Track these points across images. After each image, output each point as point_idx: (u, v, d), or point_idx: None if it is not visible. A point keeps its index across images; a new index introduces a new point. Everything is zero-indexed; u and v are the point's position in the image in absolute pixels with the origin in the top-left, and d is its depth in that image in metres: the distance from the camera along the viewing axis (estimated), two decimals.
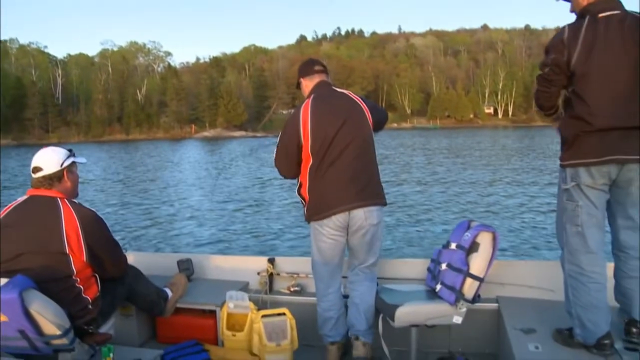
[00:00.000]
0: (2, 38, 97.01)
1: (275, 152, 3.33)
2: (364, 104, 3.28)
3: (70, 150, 2.99)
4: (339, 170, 3.11)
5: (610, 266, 2.80)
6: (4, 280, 2.45)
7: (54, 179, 2.85)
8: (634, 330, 2.67)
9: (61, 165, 2.87)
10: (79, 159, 3.02)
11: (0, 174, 28.20)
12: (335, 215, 3.12)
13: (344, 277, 3.45)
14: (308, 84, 3.35)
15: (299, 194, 3.28)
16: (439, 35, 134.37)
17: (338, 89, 3.34)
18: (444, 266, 3.19)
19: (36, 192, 2.84)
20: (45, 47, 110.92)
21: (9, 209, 2.80)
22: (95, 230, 2.84)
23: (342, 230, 3.18)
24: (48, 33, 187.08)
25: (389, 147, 42.78)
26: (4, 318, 2.40)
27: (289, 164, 3.27)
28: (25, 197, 2.86)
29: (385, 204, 3.29)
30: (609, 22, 2.51)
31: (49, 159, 2.87)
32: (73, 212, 2.76)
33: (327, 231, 3.17)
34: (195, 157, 44.47)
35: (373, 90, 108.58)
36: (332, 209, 3.11)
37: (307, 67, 3.40)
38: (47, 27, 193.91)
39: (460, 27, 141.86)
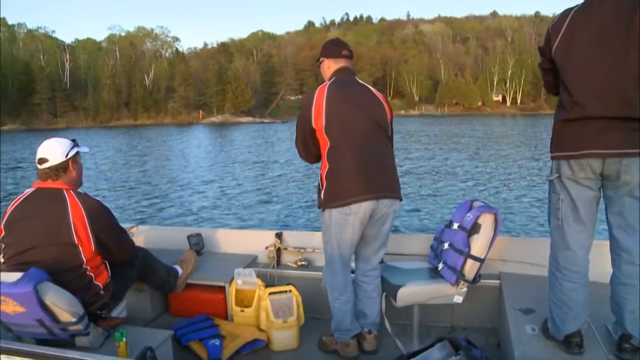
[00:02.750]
0: (10, 22, 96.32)
1: (295, 135, 3.20)
2: (385, 101, 3.18)
3: (74, 140, 3.02)
4: (362, 157, 2.96)
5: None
6: (18, 274, 2.53)
7: (60, 169, 2.88)
8: (626, 346, 2.46)
9: (66, 155, 2.90)
10: (82, 149, 3.04)
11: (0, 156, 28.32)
12: (364, 202, 2.94)
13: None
14: (331, 66, 3.17)
15: (319, 177, 3.10)
16: (448, 22, 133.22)
17: (360, 80, 3.19)
18: (446, 245, 3.21)
19: (42, 185, 2.88)
20: (53, 31, 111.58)
21: (17, 202, 2.86)
22: (101, 219, 2.88)
23: (366, 219, 3.01)
24: (56, 17, 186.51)
25: (397, 133, 42.69)
26: (21, 309, 2.51)
27: (306, 148, 3.13)
28: (31, 189, 2.90)
29: (401, 199, 3.18)
30: (602, 6, 2.29)
31: (54, 150, 2.89)
32: (79, 203, 2.81)
33: (352, 220, 2.97)
34: (203, 141, 44.30)
35: (381, 77, 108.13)
36: (360, 195, 2.93)
37: (335, 47, 3.21)
38: (55, 12, 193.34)
39: (470, 14, 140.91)
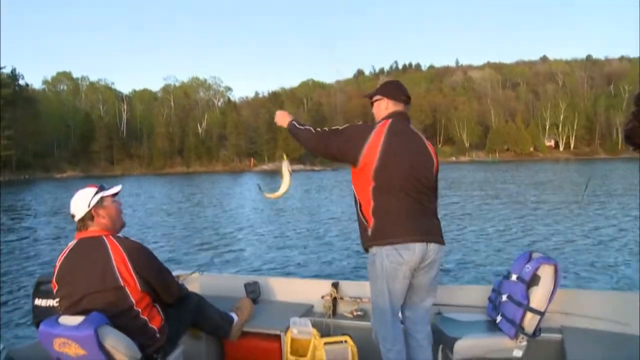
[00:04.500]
0: (74, 76, 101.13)
1: (319, 133, 3.12)
2: (434, 152, 3.18)
3: (100, 187, 3.06)
4: (410, 202, 2.96)
5: None
6: (80, 318, 2.63)
7: (86, 219, 2.95)
8: None
9: (88, 205, 2.96)
10: (109, 191, 3.06)
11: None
12: (416, 243, 2.91)
13: None
14: (389, 107, 3.15)
15: (361, 214, 3.06)
16: (497, 67, 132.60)
17: (414, 128, 3.19)
18: (504, 297, 3.16)
19: (82, 235, 2.96)
20: (113, 83, 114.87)
21: (64, 256, 2.95)
22: (143, 259, 2.93)
23: (416, 265, 2.97)
24: (115, 69, 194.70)
25: (448, 180, 41.96)
26: (83, 352, 2.59)
27: (323, 153, 3.09)
28: (74, 241, 2.98)
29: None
30: None
31: (77, 204, 2.98)
32: (119, 246, 2.87)
33: (404, 268, 2.94)
34: (255, 188, 42.32)
35: (431, 124, 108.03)
36: (410, 235, 2.91)
37: (396, 90, 3.21)
38: (115, 64, 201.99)
39: (519, 59, 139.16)
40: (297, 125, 3.17)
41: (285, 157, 3.42)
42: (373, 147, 2.94)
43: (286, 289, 4.28)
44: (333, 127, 3.13)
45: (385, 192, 2.94)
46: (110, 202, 3.04)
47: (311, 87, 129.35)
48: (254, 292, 4.18)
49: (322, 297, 4.06)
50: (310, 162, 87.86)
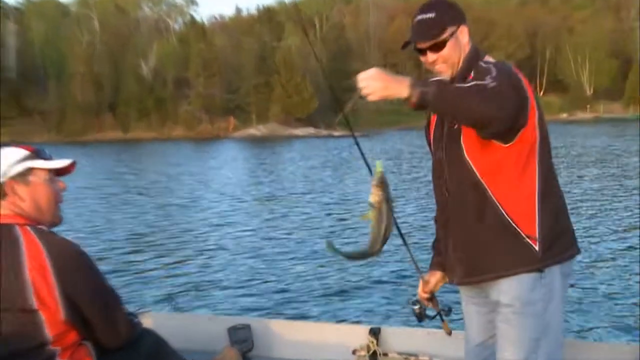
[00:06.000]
0: None
1: (482, 85, 3.07)
2: None
3: (36, 151, 3.20)
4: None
5: None
6: None
7: None
8: None
9: (3, 174, 3.08)
10: (48, 163, 3.22)
11: None
12: (575, 255, 3.46)
13: None
14: (469, 39, 3.44)
15: (508, 216, 3.28)
16: None
17: None
18: None
19: None
20: None
21: None
22: (76, 271, 3.00)
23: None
24: None
25: (556, 153, 40.60)
26: None
27: (505, 118, 3.06)
28: None
29: None
30: None
31: None
32: (40, 244, 2.93)
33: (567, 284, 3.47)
34: (237, 167, 45.42)
35: (527, 57, 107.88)
36: (576, 243, 3.46)
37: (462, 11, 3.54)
38: None
39: None
40: (442, 86, 3.15)
41: (379, 165, 3.50)
42: (533, 106, 3.24)
43: (295, 338, 4.81)
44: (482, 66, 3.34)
45: (552, 177, 3.37)
46: (42, 180, 3.17)
47: (328, 1, 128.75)
48: (243, 341, 4.73)
49: (354, 352, 4.62)
50: (327, 124, 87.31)
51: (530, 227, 3.22)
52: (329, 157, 49.21)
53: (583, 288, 12.32)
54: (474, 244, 3.37)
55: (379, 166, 3.44)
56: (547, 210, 3.24)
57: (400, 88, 3.09)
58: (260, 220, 21.87)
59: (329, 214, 22.67)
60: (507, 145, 3.18)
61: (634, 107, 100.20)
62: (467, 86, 3.12)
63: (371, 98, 3.20)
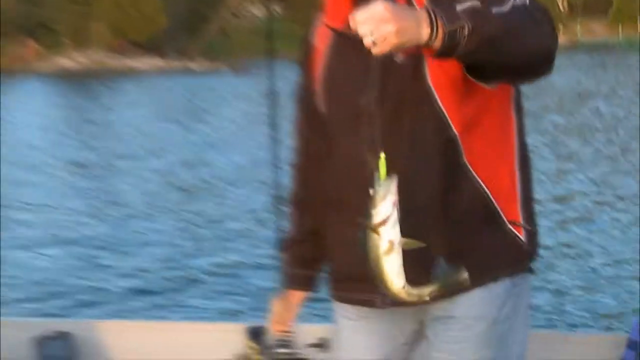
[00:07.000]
0: None
1: (537, 5, 2.34)
2: None
3: None
4: None
5: None
6: None
7: None
8: None
9: None
10: None
11: None
12: None
13: None
14: None
15: (491, 196, 2.49)
16: None
17: None
18: None
19: None
20: None
21: None
22: None
23: None
24: None
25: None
26: None
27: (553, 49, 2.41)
28: None
29: None
30: None
31: None
32: None
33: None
34: (39, 115, 36.76)
35: None
36: None
37: None
38: None
39: None
40: (479, 14, 2.17)
41: (382, 170, 2.20)
42: None
43: (136, 346, 4.41)
44: None
45: (525, 135, 2.74)
46: None
47: None
48: (61, 354, 4.22)
49: None
50: (180, 52, 68.85)
51: (512, 209, 2.49)
52: (183, 102, 40.98)
53: (563, 277, 11.51)
54: (438, 235, 2.40)
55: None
56: (526, 182, 2.56)
57: (418, 29, 2.15)
58: (71, 193, 18.60)
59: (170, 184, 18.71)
60: (489, 87, 2.40)
61: (624, 27, 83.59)
62: (507, 10, 2.22)
63: (379, 49, 2.13)
